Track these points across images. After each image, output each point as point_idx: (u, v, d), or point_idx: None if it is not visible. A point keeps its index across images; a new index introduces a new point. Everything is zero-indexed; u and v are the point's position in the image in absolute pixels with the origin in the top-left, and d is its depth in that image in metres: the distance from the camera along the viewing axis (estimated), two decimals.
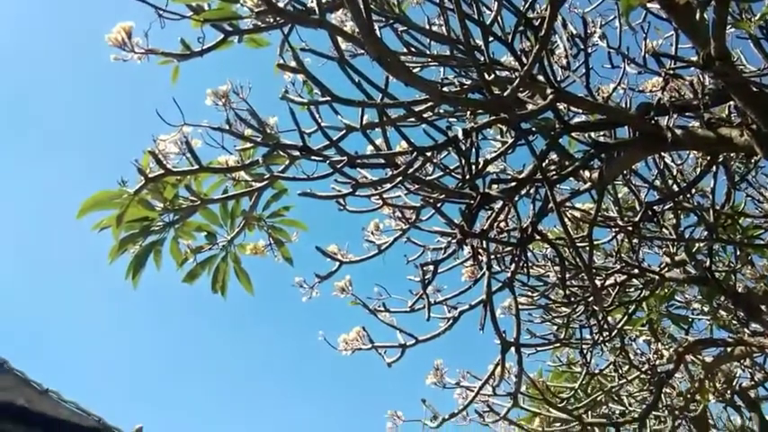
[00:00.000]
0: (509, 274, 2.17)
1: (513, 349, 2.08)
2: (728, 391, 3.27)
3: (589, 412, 2.89)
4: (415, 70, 2.08)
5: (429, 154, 1.92)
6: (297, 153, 1.83)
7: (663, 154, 2.53)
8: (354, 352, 2.25)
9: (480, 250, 2.12)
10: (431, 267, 2.24)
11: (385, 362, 2.23)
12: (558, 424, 2.71)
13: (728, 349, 2.88)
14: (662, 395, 2.78)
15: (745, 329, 2.87)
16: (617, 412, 3.00)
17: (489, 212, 2.05)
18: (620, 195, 2.71)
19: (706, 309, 3.03)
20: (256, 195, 2.12)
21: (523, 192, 2.08)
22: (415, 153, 1.83)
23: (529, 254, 2.47)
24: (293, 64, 1.80)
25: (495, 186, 1.98)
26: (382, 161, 1.94)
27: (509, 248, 2.21)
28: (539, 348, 2.87)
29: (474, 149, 1.85)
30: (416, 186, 2.07)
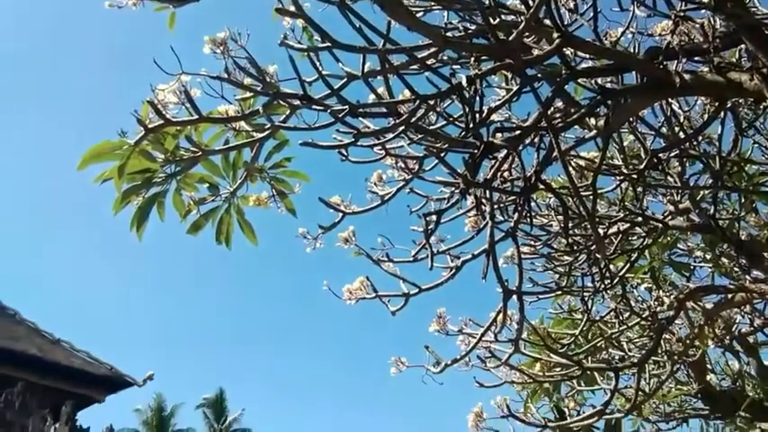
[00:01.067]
0: (512, 224, 2.17)
1: (515, 297, 2.10)
2: (727, 337, 3.32)
3: (589, 358, 2.95)
4: (417, 14, 2.02)
5: (432, 102, 1.89)
6: (297, 102, 1.80)
7: (670, 100, 2.49)
8: (358, 301, 2.27)
9: (483, 200, 2.11)
10: (434, 217, 2.24)
11: (389, 310, 2.26)
12: (559, 369, 2.76)
13: (729, 296, 2.90)
14: (661, 341, 2.82)
15: (747, 276, 2.88)
16: (616, 357, 3.05)
17: (493, 162, 2.03)
18: (625, 143, 2.68)
19: (708, 256, 3.04)
20: (258, 146, 2.10)
21: (528, 140, 2.06)
22: (418, 101, 1.80)
23: (532, 203, 2.47)
24: (292, 8, 1.75)
25: (498, 135, 1.96)
26: (384, 110, 1.91)
27: (512, 198, 2.20)
28: (540, 296, 2.90)
29: (478, 97, 1.81)
30: (419, 136, 2.05)
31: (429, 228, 2.21)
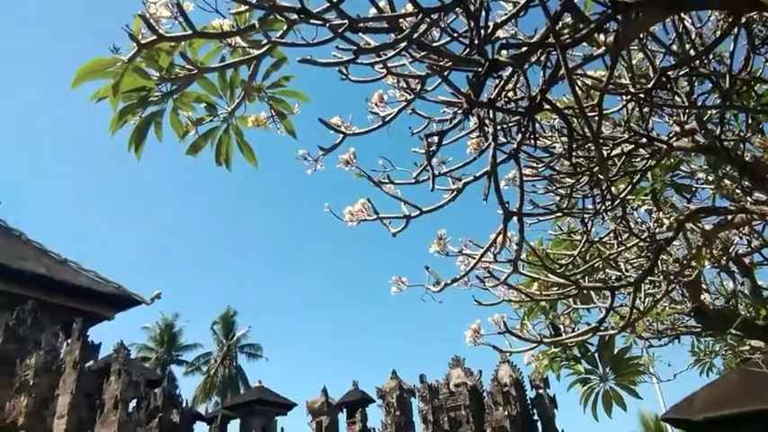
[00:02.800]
0: (515, 145, 2.14)
1: (515, 219, 2.11)
2: (724, 258, 3.37)
3: (586, 277, 3.00)
4: None
5: (435, 16, 1.82)
6: (294, 16, 1.72)
7: (683, 16, 2.39)
8: (359, 223, 2.28)
9: (487, 120, 2.07)
10: (435, 138, 2.21)
11: (390, 232, 2.27)
12: (556, 288, 2.81)
13: (729, 217, 2.91)
14: (659, 261, 2.86)
15: (748, 198, 2.88)
16: (613, 277, 3.10)
17: (497, 80, 1.97)
18: (634, 62, 2.60)
19: (711, 178, 3.02)
20: (255, 64, 2.04)
21: (534, 58, 2.00)
22: (421, 15, 1.72)
23: (536, 124, 2.42)
24: None
25: (504, 52, 1.89)
26: (386, 25, 1.84)
27: (516, 118, 2.16)
28: (540, 218, 2.91)
29: (484, 11, 1.74)
30: (422, 53, 1.98)
31: (430, 149, 2.19)
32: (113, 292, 22.93)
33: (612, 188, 2.68)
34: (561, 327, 3.12)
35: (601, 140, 2.38)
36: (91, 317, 22.01)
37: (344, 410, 28.89)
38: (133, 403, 17.85)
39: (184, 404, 20.73)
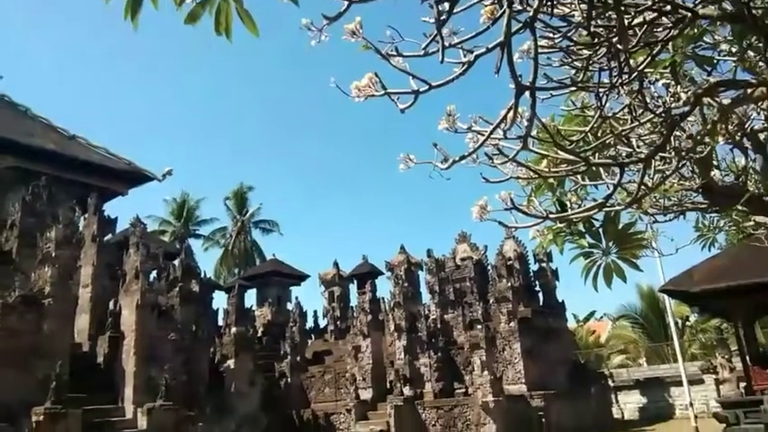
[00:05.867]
0: (531, 13, 2.02)
1: (527, 94, 2.04)
2: (739, 134, 3.30)
3: (596, 154, 2.96)
4: None
5: None
6: None
7: None
8: (367, 99, 2.21)
9: None
10: (446, 5, 2.08)
11: (398, 108, 2.21)
12: (565, 165, 2.78)
13: (748, 91, 2.81)
14: (672, 137, 2.80)
15: None
16: (624, 154, 3.06)
17: None
18: None
19: (734, 50, 2.87)
20: None
21: None
22: None
23: None
24: None
25: None
26: None
27: None
28: (554, 93, 2.81)
29: None
30: None
31: (441, 17, 2.07)
32: (125, 168, 23.16)
33: (631, 60, 2.56)
34: (568, 203, 3.14)
35: (622, 8, 2.24)
36: (104, 192, 22.44)
37: (355, 282, 30.27)
38: (154, 274, 18.73)
39: (203, 275, 21.74)
